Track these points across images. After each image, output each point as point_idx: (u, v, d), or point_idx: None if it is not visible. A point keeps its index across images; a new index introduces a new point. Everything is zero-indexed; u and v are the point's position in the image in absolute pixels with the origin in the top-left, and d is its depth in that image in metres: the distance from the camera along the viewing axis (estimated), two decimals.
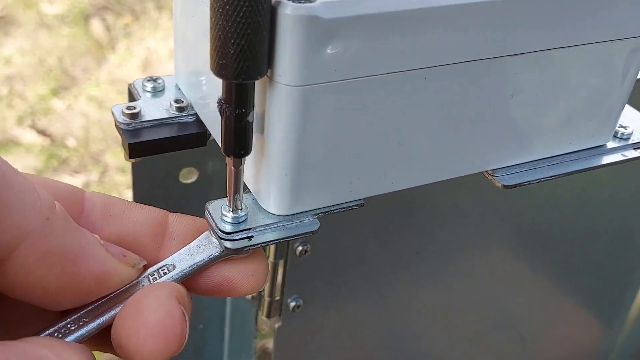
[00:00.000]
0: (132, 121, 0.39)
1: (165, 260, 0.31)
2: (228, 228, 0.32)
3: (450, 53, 0.31)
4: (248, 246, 0.31)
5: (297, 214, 0.33)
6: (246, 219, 0.32)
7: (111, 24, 1.98)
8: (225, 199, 0.32)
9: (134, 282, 0.30)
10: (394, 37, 0.29)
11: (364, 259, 0.57)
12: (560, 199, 0.64)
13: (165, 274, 0.31)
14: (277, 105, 0.29)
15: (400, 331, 0.65)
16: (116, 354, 0.29)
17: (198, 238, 0.32)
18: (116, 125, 0.39)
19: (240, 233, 0.32)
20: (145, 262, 0.31)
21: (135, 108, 0.39)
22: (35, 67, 1.81)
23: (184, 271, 0.31)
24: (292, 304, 0.55)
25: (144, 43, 1.92)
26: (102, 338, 0.29)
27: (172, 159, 0.50)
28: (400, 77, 0.30)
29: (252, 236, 0.32)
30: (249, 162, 0.33)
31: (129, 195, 1.51)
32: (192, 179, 0.51)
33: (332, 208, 0.34)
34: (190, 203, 0.51)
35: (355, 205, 0.34)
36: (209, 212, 0.32)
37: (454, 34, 0.30)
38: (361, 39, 0.28)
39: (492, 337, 0.74)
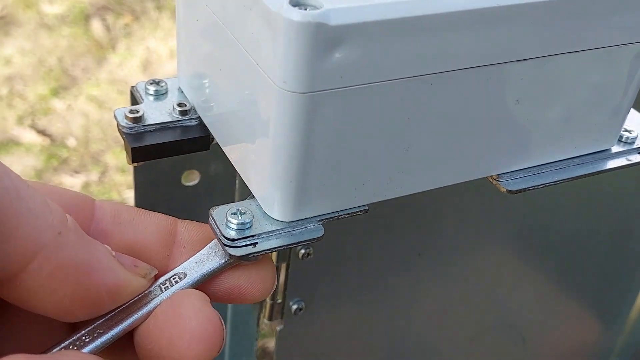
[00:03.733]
0: (135, 125, 0.38)
1: (176, 268, 0.31)
2: (232, 234, 0.31)
3: (456, 59, 0.31)
4: (252, 253, 0.31)
5: (301, 220, 0.33)
6: (251, 225, 0.32)
7: (111, 24, 1.98)
8: (230, 204, 0.32)
9: (146, 292, 0.30)
10: (401, 43, 0.29)
11: (366, 261, 0.57)
12: (561, 200, 0.64)
13: (176, 282, 0.31)
14: (282, 111, 0.29)
15: (402, 333, 0.65)
16: None
17: (208, 245, 0.32)
18: (119, 129, 0.39)
19: (245, 240, 0.31)
20: (157, 272, 0.31)
21: (138, 112, 0.39)
22: (35, 67, 1.81)
23: (195, 279, 0.31)
24: (294, 306, 0.55)
25: (144, 43, 1.92)
26: (116, 349, 0.29)
27: (175, 161, 0.49)
28: (406, 83, 0.30)
29: (257, 243, 0.31)
30: (254, 168, 0.33)
31: (129, 195, 1.50)
32: (195, 181, 0.51)
33: (337, 214, 0.34)
34: (193, 206, 0.51)
35: (360, 211, 0.34)
36: (213, 218, 0.32)
37: (460, 39, 0.30)
38: (368, 45, 0.28)
39: (493, 337, 0.74)
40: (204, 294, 0.29)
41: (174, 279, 0.31)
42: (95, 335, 0.28)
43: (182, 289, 0.30)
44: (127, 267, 0.28)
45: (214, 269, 0.31)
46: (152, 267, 0.30)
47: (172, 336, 0.27)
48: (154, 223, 0.31)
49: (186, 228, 0.32)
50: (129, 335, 0.29)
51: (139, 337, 0.29)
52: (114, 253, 0.28)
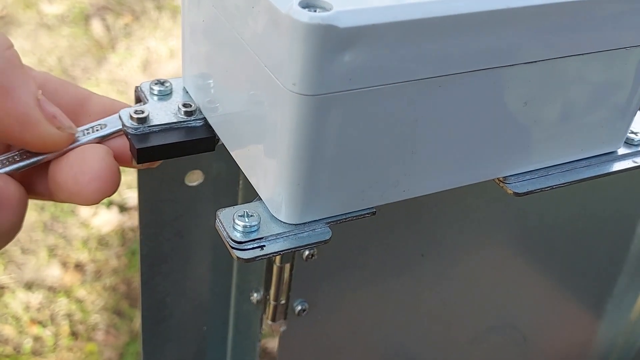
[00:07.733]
0: (141, 125, 0.38)
1: (98, 120, 0.37)
2: (239, 237, 0.31)
3: (465, 61, 0.31)
4: (260, 256, 0.31)
5: (308, 222, 0.33)
6: (258, 228, 0.32)
7: (111, 23, 1.98)
8: (237, 206, 0.32)
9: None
10: (411, 45, 0.29)
11: (370, 262, 0.57)
12: (562, 201, 0.63)
13: (97, 130, 0.36)
14: (290, 113, 0.29)
15: (405, 334, 0.65)
16: (45, 198, 0.36)
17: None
18: (123, 129, 0.39)
19: (252, 242, 0.31)
20: (76, 130, 0.35)
21: (143, 112, 0.38)
22: (35, 67, 1.81)
23: (113, 130, 0.37)
24: (298, 307, 0.55)
25: (144, 43, 1.91)
26: (33, 175, 0.35)
27: (178, 161, 0.49)
28: (414, 85, 0.30)
29: (264, 245, 0.31)
30: (261, 170, 0.32)
31: (129, 195, 1.50)
32: (198, 181, 0.51)
33: (344, 216, 0.33)
34: (196, 206, 0.51)
35: (367, 213, 0.34)
36: (219, 220, 0.32)
37: (470, 41, 0.30)
38: (378, 47, 0.28)
39: (495, 338, 0.74)
40: (108, 148, 0.35)
41: (95, 127, 0.36)
42: (11, 160, 0.34)
43: (100, 137, 0.36)
44: (46, 114, 0.32)
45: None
46: (72, 125, 0.35)
47: (77, 173, 0.33)
48: (69, 93, 0.37)
49: (96, 102, 0.38)
50: (44, 167, 0.34)
51: (53, 170, 0.34)
52: (40, 96, 0.32)
